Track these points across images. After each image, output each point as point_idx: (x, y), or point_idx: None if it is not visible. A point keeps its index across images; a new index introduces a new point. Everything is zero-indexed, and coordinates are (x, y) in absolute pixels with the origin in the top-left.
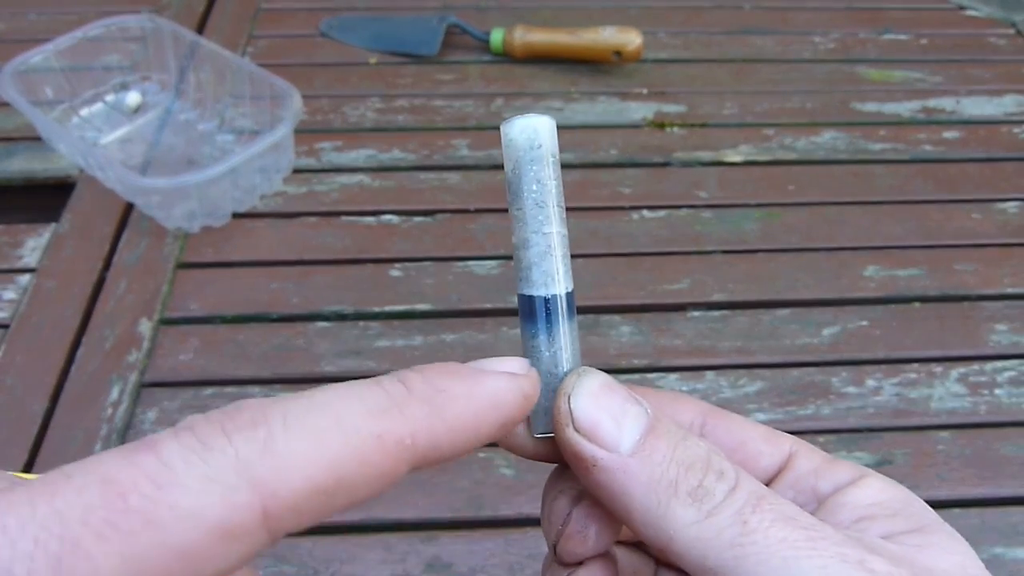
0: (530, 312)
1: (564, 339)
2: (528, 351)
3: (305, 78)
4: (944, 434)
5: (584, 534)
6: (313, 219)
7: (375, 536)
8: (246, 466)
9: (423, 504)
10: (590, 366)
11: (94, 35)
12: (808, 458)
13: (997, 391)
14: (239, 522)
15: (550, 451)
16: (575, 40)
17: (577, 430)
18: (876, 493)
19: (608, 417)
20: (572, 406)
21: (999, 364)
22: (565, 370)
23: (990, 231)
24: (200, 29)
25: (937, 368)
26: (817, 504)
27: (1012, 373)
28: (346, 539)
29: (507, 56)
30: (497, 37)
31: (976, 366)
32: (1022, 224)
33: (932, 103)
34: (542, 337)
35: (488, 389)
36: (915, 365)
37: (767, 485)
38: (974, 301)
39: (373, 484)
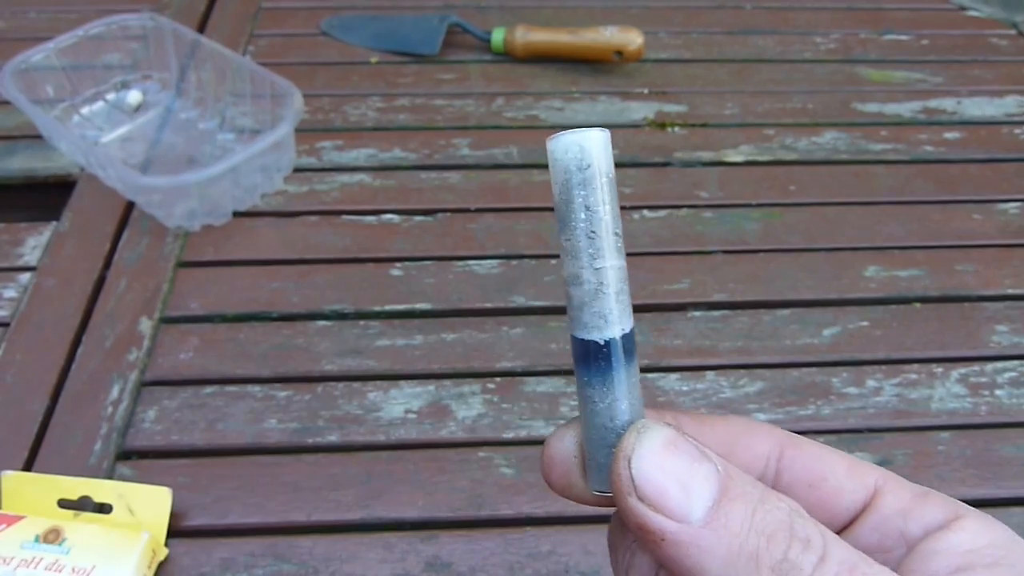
0: (581, 357)
1: (620, 388)
2: (581, 399)
3: (306, 77)
4: (944, 434)
5: None
6: (314, 218)
7: (375, 535)
8: None
9: (423, 503)
10: (650, 415)
11: (95, 34)
12: (895, 495)
13: (998, 392)
14: None
15: (613, 501)
16: (576, 40)
17: (641, 499)
18: (973, 537)
19: (675, 482)
20: (633, 472)
21: (999, 365)
22: (622, 423)
23: (991, 232)
24: (201, 28)
25: (938, 368)
26: (906, 549)
27: (1013, 374)
28: (346, 538)
29: (508, 56)
30: (498, 37)
31: (976, 367)
32: (1023, 225)
33: (933, 104)
34: (595, 386)
35: None
36: (915, 365)
37: (849, 526)
38: (975, 302)
39: None
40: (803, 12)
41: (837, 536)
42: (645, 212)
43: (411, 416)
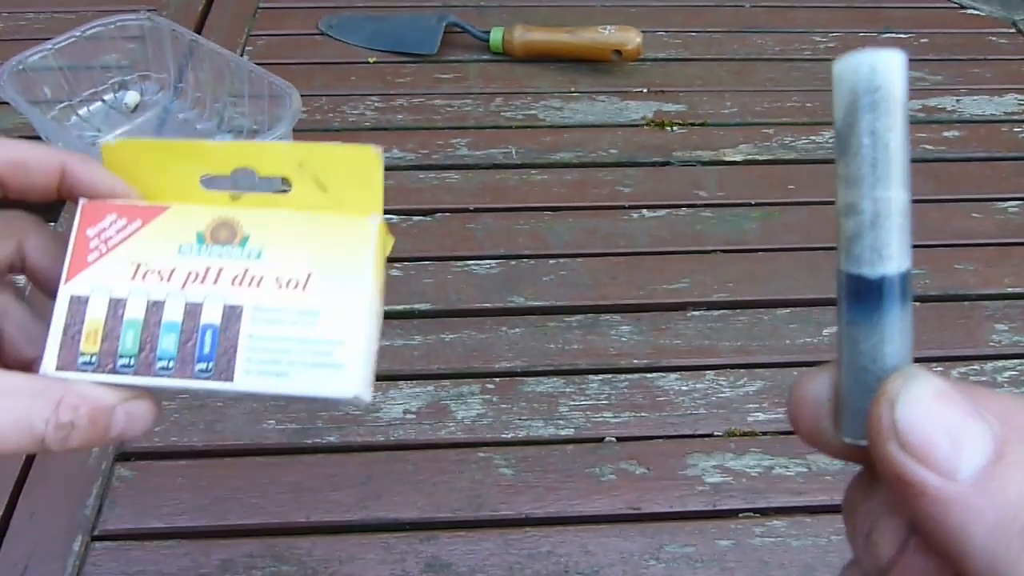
0: (851, 293)
1: (891, 330)
2: (843, 339)
3: (304, 77)
4: None
5: (923, 570)
6: None
7: (374, 536)
8: None
9: (422, 504)
10: (919, 365)
11: (92, 34)
12: None
13: (997, 391)
14: None
15: (863, 454)
16: (575, 39)
17: (902, 447)
18: None
19: (944, 433)
20: (898, 416)
21: (999, 363)
22: (888, 366)
23: (990, 230)
24: (199, 28)
25: (937, 367)
26: None
27: (1012, 372)
28: (345, 539)
29: (507, 55)
30: (496, 36)
31: (976, 365)
32: (1022, 224)
33: (932, 102)
34: (861, 325)
35: (113, 179)
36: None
37: None
38: (974, 300)
39: (40, 173)
40: (802, 11)
41: None
42: (644, 211)
43: (410, 416)
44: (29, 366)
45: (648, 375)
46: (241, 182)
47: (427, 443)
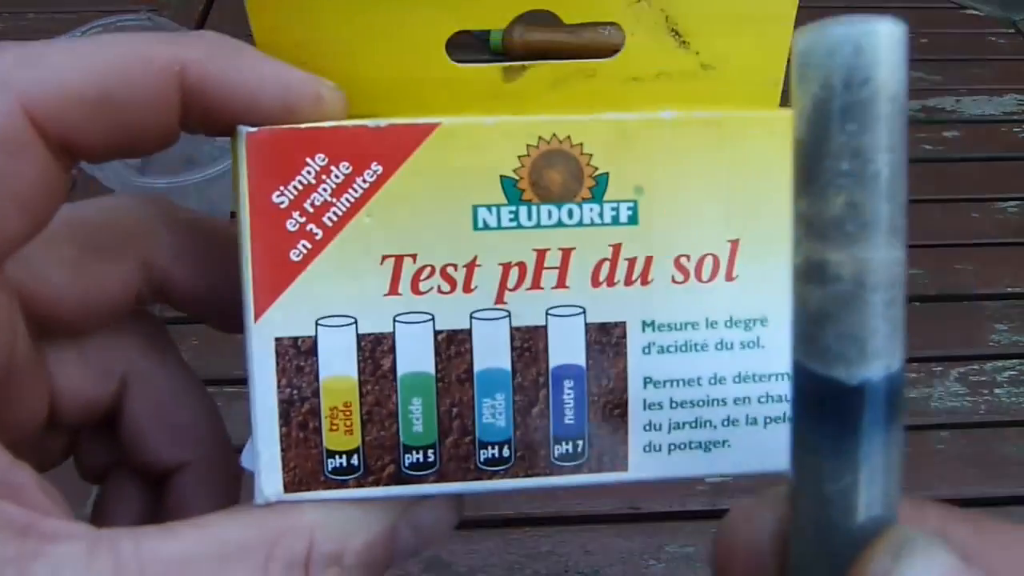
0: (813, 403)
1: (872, 464)
2: (800, 470)
3: None
4: (944, 433)
5: None
6: None
7: None
8: (2, 78)
9: None
10: (907, 514)
11: (93, 34)
12: None
13: (997, 390)
14: (6, 128)
15: None
16: (575, 39)
17: None
18: None
19: None
20: None
21: (999, 363)
22: (864, 522)
23: (990, 231)
24: (200, 28)
25: (937, 367)
26: None
27: (1012, 372)
28: None
29: (507, 55)
30: (496, 36)
31: (976, 365)
32: (1022, 224)
33: (932, 102)
34: (828, 455)
35: (285, 72)
36: (914, 364)
37: None
38: (974, 300)
39: (137, 102)
40: (801, 10)
41: None
42: None
43: None
44: (167, 475)
45: None
46: None
47: None
